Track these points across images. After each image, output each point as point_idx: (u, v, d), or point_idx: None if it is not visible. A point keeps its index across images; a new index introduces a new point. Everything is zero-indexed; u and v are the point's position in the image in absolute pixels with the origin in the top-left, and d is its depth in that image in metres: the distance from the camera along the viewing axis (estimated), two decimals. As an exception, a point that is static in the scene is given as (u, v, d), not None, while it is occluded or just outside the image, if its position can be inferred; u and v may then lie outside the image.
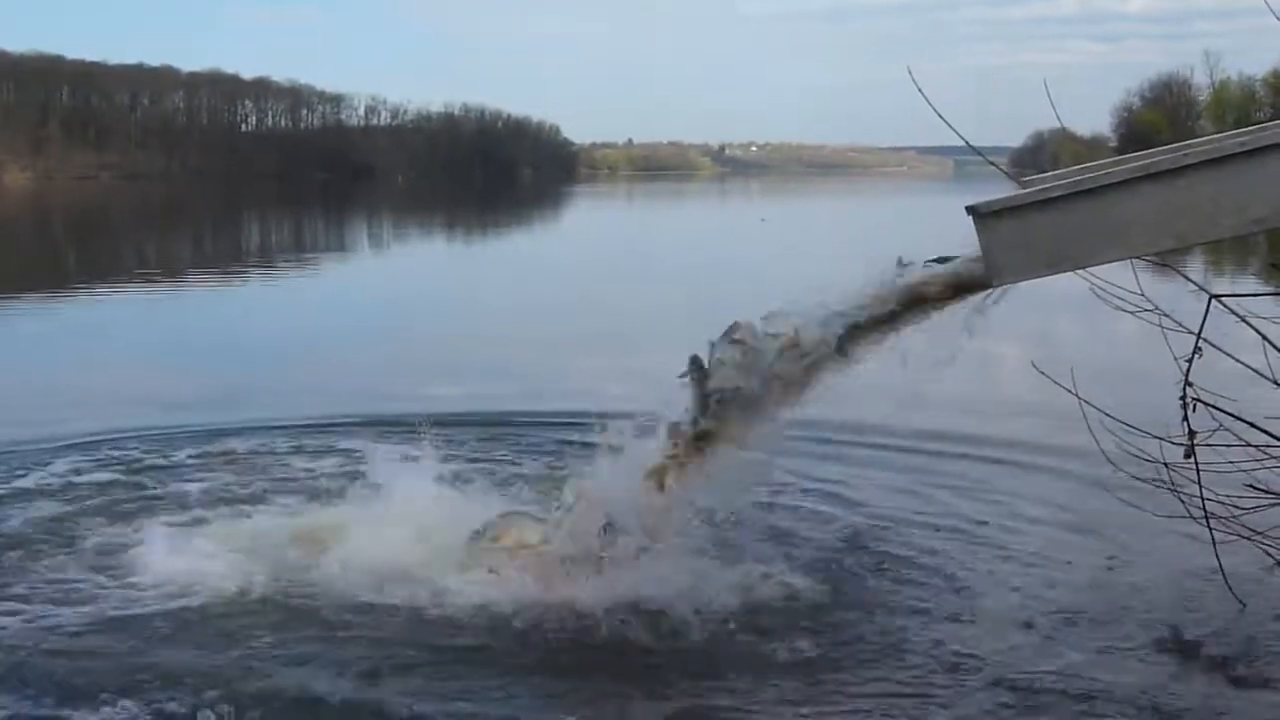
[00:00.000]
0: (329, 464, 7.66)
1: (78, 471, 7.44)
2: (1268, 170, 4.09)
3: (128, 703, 4.41)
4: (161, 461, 7.74)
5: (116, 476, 7.35)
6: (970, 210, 4.36)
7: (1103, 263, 4.54)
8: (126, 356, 13.09)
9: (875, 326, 5.09)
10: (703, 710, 4.52)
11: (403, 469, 6.61)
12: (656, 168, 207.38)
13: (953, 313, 4.97)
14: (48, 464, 7.55)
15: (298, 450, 8.02)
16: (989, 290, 4.69)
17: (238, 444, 8.15)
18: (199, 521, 6.42)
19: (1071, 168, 5.03)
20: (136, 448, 8.01)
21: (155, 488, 7.13)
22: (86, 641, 4.97)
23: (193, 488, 7.09)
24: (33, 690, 4.55)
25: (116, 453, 7.90)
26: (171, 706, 4.37)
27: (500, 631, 5.10)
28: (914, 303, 4.99)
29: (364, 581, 5.49)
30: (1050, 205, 4.27)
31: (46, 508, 6.68)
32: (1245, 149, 4.09)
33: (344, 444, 8.12)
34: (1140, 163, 4.26)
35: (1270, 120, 5.24)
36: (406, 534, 5.87)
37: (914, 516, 6.77)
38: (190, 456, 7.86)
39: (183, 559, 5.75)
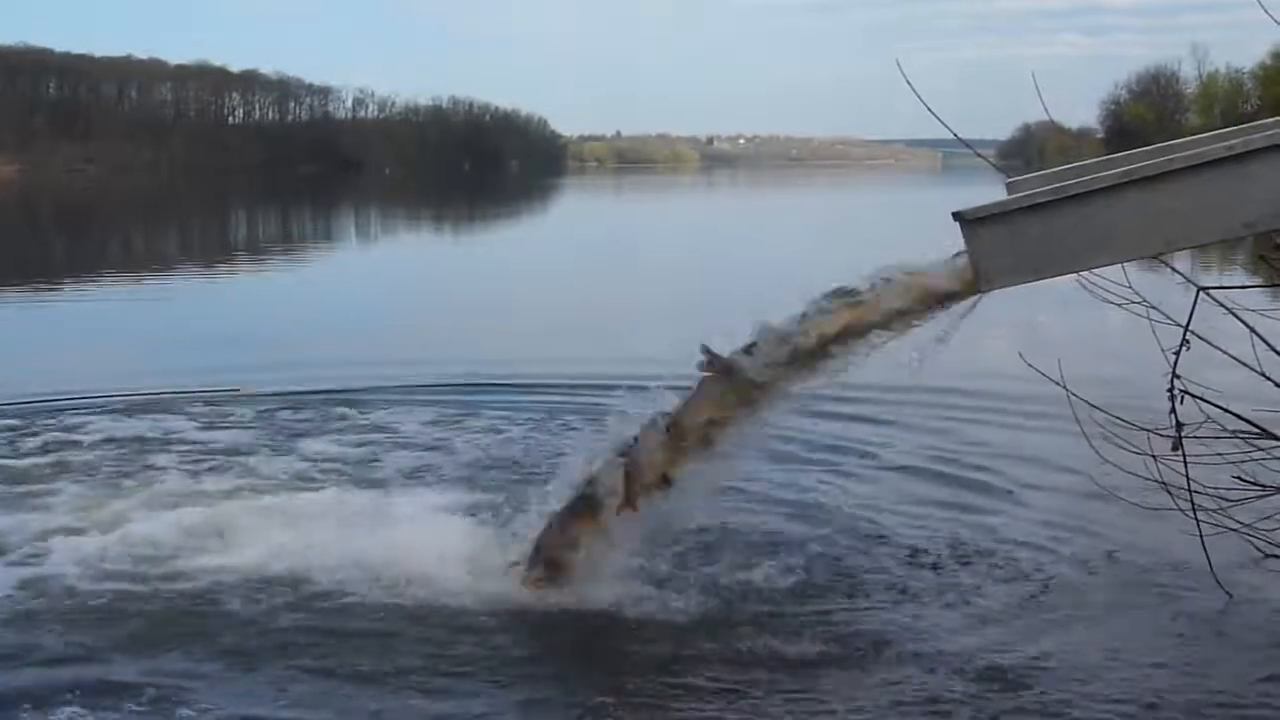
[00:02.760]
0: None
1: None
2: (1257, 174, 4.05)
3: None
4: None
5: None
6: (956, 217, 4.34)
7: (1090, 268, 4.54)
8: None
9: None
10: (700, 710, 4.53)
11: None
12: (644, 160, 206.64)
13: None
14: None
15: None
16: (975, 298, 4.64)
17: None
18: None
19: (1058, 169, 5.02)
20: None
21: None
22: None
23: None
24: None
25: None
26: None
27: (494, 634, 5.11)
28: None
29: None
30: (1036, 211, 4.23)
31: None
32: (1233, 153, 4.06)
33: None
34: (1126, 168, 4.23)
35: (1257, 114, 5.26)
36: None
37: (900, 513, 6.81)
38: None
39: None
